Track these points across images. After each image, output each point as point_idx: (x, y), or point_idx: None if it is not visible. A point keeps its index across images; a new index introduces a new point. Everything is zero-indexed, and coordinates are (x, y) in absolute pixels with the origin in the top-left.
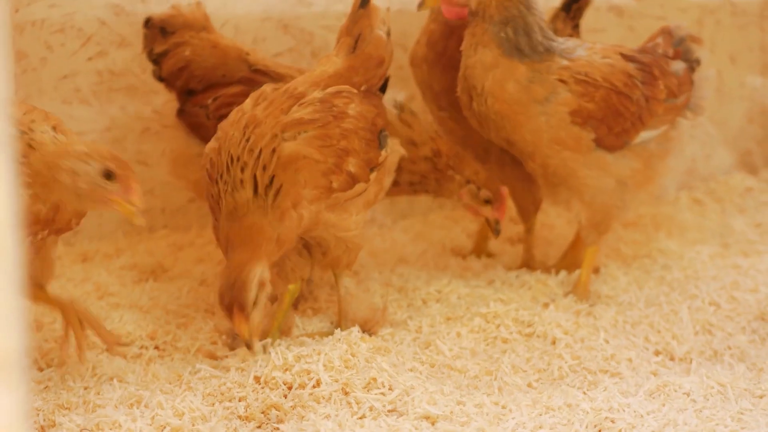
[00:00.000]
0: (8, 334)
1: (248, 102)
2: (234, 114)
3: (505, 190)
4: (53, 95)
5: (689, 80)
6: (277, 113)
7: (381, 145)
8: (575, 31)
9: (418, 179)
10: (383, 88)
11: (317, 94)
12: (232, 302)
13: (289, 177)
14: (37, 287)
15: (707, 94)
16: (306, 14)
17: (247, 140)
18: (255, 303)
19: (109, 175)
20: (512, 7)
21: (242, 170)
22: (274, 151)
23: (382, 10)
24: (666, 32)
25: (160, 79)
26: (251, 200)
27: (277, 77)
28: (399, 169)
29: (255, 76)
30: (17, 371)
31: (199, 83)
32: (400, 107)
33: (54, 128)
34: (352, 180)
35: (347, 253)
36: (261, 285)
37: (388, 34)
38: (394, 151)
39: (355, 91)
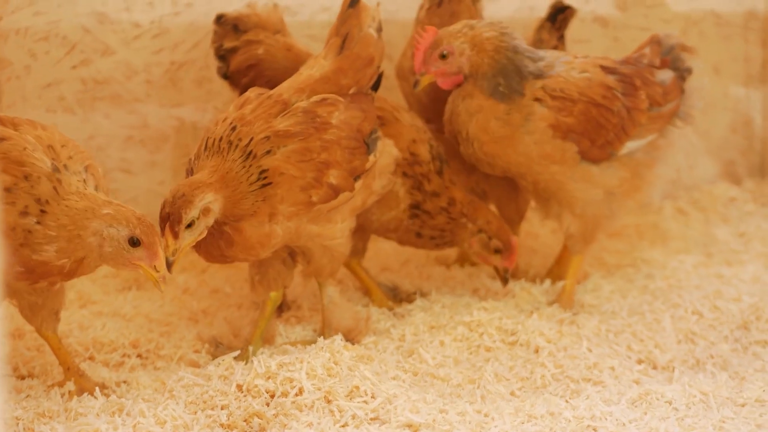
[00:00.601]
0: None
1: (232, 107)
2: (217, 117)
3: (515, 240)
4: (37, 103)
5: (677, 89)
6: (265, 116)
7: (369, 149)
8: (560, 41)
9: (438, 234)
10: (376, 86)
11: (302, 103)
12: (169, 214)
13: (269, 190)
14: (54, 317)
15: (698, 103)
16: (291, 23)
17: (233, 129)
18: (192, 225)
19: (134, 242)
20: (502, 59)
21: (229, 143)
22: (269, 152)
23: (372, 8)
24: (655, 42)
25: (225, 76)
26: (237, 162)
27: None
28: (422, 225)
29: None
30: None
31: (267, 83)
32: (441, 159)
33: (86, 169)
34: (334, 192)
35: (332, 261)
36: (205, 211)
37: (379, 30)
38: (386, 153)
39: (340, 98)
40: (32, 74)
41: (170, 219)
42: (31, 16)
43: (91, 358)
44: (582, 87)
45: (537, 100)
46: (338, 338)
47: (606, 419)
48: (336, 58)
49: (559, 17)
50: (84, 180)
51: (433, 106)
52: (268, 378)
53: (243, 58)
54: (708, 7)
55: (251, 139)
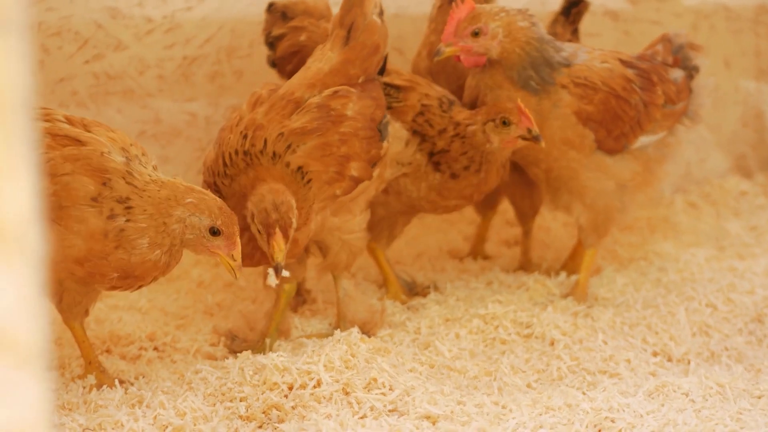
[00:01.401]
0: (33, 330)
1: (245, 106)
2: (232, 119)
3: (515, 104)
4: (50, 98)
5: (687, 88)
6: (279, 118)
7: (382, 136)
8: (574, 35)
9: (467, 159)
10: (382, 70)
11: (315, 98)
12: (277, 221)
13: (308, 188)
14: (84, 312)
15: (705, 102)
16: None
17: (245, 137)
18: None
19: (215, 232)
20: (532, 50)
21: (245, 154)
22: (289, 146)
23: None
24: (666, 40)
25: (273, 63)
26: (277, 167)
27: None
28: (449, 165)
29: None
30: (42, 365)
31: None
32: (449, 102)
33: (154, 168)
34: (355, 183)
35: (348, 255)
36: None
37: (382, 14)
38: (396, 138)
39: (352, 89)
40: (45, 69)
41: (280, 224)
42: (43, 11)
43: (108, 351)
44: (604, 77)
45: (563, 87)
46: (355, 331)
47: (624, 411)
48: (343, 49)
49: (573, 11)
50: (155, 167)
51: None
52: (286, 370)
53: (287, 44)
54: (719, 1)
55: (266, 142)
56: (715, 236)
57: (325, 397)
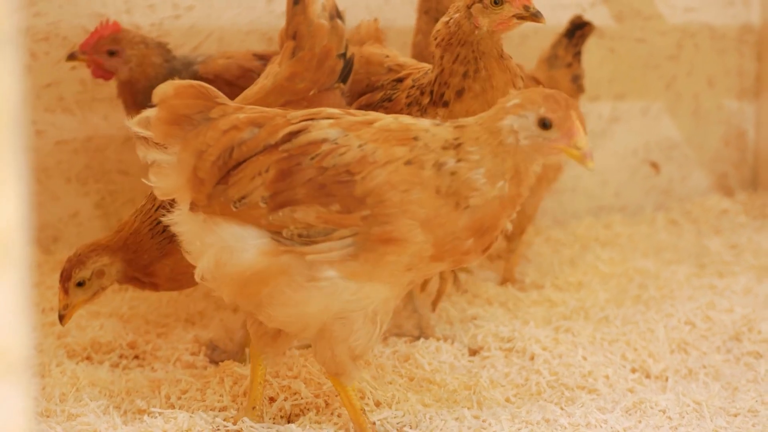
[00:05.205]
0: (17, 337)
1: None
2: None
3: None
4: (36, 103)
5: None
6: None
7: None
8: (576, 58)
9: (462, 67)
10: (346, 76)
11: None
12: (64, 271)
13: None
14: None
15: None
16: None
17: None
18: (84, 284)
19: (545, 124)
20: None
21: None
22: None
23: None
24: None
25: None
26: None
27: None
28: (449, 75)
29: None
30: (26, 372)
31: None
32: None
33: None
34: None
35: None
36: (99, 273)
37: (334, 17)
38: None
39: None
40: (32, 74)
41: (62, 276)
42: (31, 16)
43: (88, 358)
44: None
45: None
46: None
47: (601, 427)
48: (289, 62)
49: (577, 33)
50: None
51: None
52: (266, 381)
53: None
54: (703, 20)
55: None
56: (696, 254)
57: (304, 409)
